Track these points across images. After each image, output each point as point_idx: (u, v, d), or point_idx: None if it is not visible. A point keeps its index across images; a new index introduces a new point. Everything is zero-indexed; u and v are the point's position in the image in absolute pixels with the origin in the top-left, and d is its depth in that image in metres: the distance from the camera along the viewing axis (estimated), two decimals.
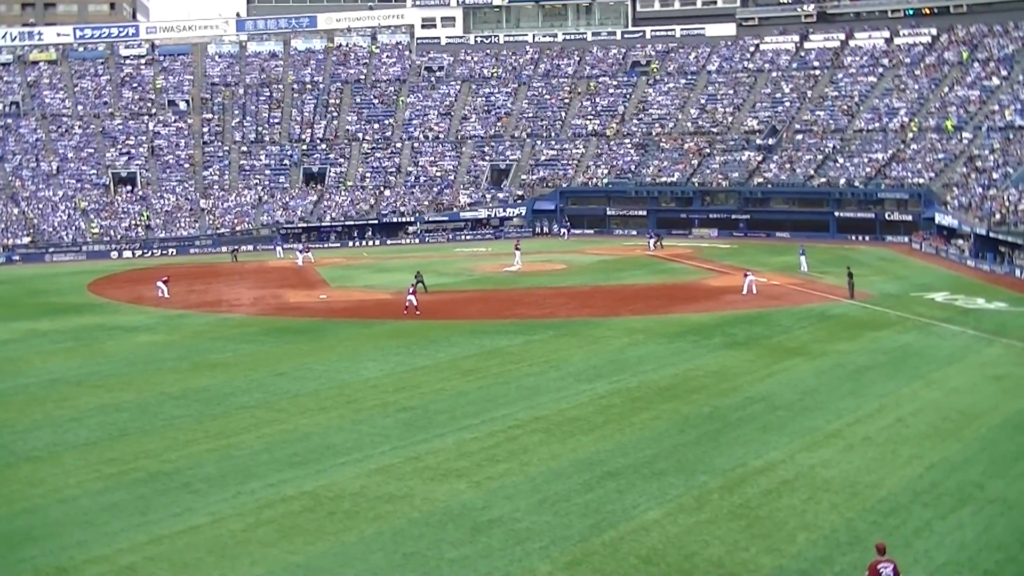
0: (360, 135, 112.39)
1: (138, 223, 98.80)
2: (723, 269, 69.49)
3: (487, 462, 27.27)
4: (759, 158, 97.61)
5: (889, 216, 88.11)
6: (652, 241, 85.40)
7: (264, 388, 36.83)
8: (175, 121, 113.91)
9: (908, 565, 19.62)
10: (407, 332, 47.56)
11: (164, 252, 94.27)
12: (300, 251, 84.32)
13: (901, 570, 17.94)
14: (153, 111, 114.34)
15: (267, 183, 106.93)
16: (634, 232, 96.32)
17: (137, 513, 24.02)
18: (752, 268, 63.25)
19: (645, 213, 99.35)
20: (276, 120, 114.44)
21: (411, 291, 54.21)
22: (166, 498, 25.04)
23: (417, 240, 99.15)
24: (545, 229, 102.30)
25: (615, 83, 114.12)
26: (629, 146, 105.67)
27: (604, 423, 30.89)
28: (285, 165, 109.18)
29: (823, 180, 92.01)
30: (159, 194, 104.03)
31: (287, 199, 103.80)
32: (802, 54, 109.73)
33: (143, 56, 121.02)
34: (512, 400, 34.00)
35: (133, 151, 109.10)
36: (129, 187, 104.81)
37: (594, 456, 27.57)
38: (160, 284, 63.02)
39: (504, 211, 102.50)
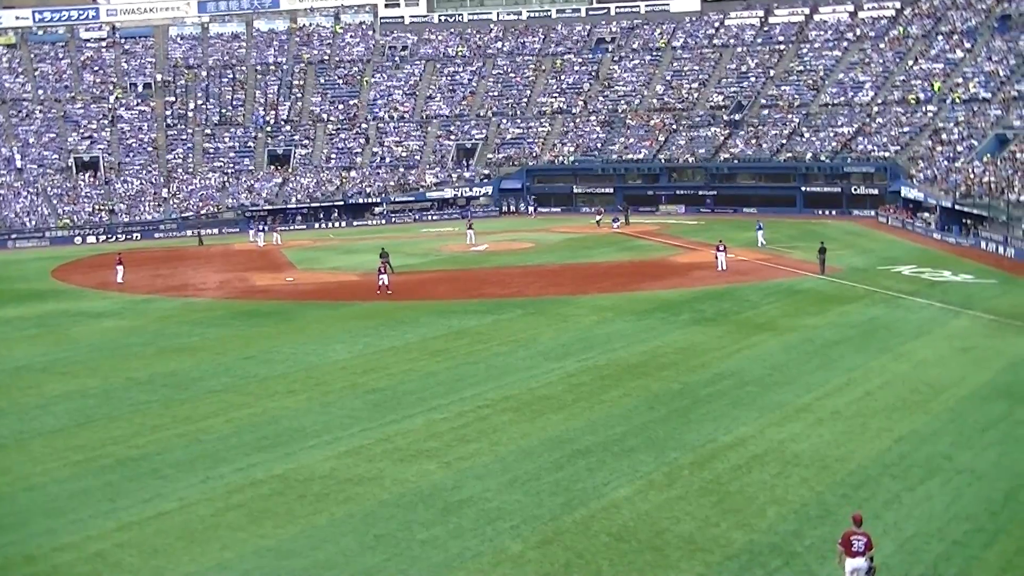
0: (325, 116, 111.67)
1: (101, 208, 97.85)
2: (690, 245, 69.59)
3: (457, 442, 27.22)
4: (725, 134, 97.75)
5: (855, 190, 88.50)
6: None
7: (232, 372, 36.62)
8: (137, 104, 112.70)
9: (878, 537, 19.70)
10: (375, 313, 47.40)
11: (128, 237, 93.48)
12: (261, 231, 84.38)
13: (873, 543, 18.02)
14: (115, 94, 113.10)
15: (231, 165, 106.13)
16: (602, 209, 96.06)
17: (105, 500, 23.84)
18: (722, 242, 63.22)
19: (612, 190, 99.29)
20: (240, 102, 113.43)
21: (381, 270, 54.05)
22: (134, 484, 24.85)
23: (383, 221, 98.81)
24: (512, 208, 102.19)
25: (580, 60, 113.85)
26: (595, 123, 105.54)
27: (574, 401, 30.88)
28: (249, 147, 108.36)
29: (789, 155, 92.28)
30: (122, 178, 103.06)
31: (252, 181, 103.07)
32: (767, 29, 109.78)
33: (104, 39, 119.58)
34: (481, 380, 33.96)
35: (95, 135, 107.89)
36: (92, 171, 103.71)
37: (564, 434, 27.57)
38: (119, 268, 62.21)
39: (470, 190, 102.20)
